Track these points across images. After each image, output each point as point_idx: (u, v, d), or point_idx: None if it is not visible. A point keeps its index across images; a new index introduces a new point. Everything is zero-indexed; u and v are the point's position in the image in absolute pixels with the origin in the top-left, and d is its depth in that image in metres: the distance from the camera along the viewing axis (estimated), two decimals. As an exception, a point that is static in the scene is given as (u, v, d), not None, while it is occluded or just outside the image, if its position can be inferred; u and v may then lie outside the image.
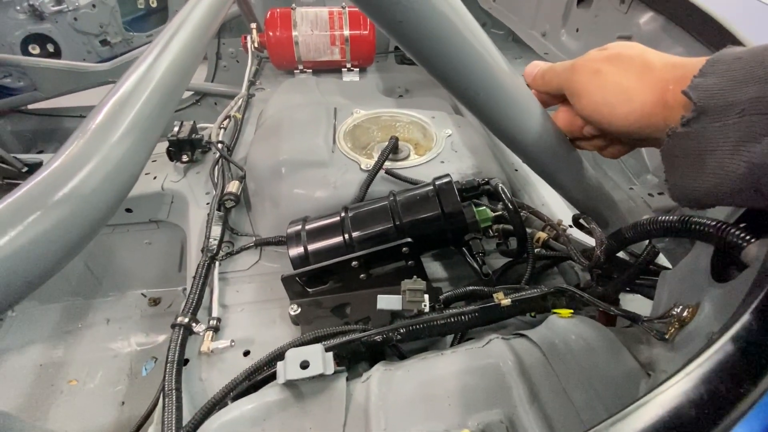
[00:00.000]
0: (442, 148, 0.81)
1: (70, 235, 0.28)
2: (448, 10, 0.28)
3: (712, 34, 0.47)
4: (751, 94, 0.25)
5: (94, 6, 1.85)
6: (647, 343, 0.44)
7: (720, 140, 0.27)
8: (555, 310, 0.49)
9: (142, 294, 1.11)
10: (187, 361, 0.58)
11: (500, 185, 0.62)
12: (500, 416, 0.39)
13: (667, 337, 0.40)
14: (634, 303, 0.54)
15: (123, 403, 0.93)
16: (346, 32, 1.16)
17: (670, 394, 0.17)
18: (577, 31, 0.77)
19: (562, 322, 0.46)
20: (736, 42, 0.44)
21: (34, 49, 1.78)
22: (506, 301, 0.51)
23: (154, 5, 2.20)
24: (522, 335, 0.47)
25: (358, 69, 1.25)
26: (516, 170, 0.89)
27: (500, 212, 0.64)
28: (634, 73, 0.33)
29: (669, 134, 0.30)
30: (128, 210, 0.92)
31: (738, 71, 0.26)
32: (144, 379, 0.97)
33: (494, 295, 0.52)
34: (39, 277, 0.27)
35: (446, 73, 0.31)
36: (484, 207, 0.63)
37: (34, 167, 1.00)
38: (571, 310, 0.48)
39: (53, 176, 0.29)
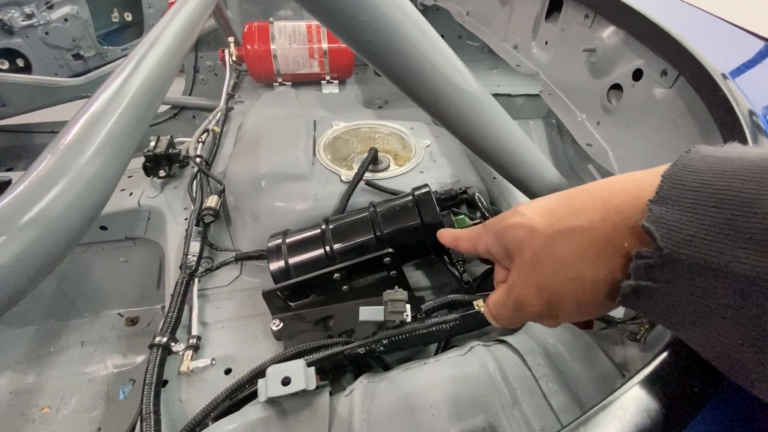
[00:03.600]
0: (421, 159, 0.82)
1: (38, 258, 0.27)
2: (413, 28, 0.29)
3: (667, 47, 0.50)
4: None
5: (66, 20, 1.82)
6: (622, 345, 0.45)
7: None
8: (533, 315, 0.50)
9: (119, 314, 1.07)
10: (166, 382, 0.56)
11: (476, 194, 0.64)
12: (482, 423, 0.39)
13: (638, 337, 0.42)
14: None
15: (99, 429, 0.89)
16: (325, 45, 1.18)
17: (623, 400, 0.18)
18: (546, 43, 0.80)
19: (540, 327, 0.47)
20: (685, 54, 0.47)
21: (3, 64, 1.73)
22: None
23: (129, 19, 2.18)
24: (502, 341, 0.48)
25: (337, 81, 1.26)
26: (494, 178, 0.91)
27: (478, 220, 0.65)
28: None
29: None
30: (103, 227, 0.89)
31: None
32: (122, 403, 0.94)
33: (474, 303, 0.52)
34: (5, 304, 0.26)
35: (414, 87, 0.32)
36: (463, 215, 0.64)
37: (2, 185, 0.97)
38: (549, 315, 0.49)
39: (20, 198, 0.28)
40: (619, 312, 0.51)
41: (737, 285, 0.18)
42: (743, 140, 0.35)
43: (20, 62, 1.77)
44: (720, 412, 0.19)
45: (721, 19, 0.68)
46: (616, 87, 0.63)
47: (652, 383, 0.20)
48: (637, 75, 0.58)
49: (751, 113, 0.38)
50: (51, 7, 1.77)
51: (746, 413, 0.20)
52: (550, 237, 0.25)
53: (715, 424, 0.19)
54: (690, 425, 0.18)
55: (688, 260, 0.19)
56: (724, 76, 0.44)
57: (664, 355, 0.21)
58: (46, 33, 1.77)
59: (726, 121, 0.38)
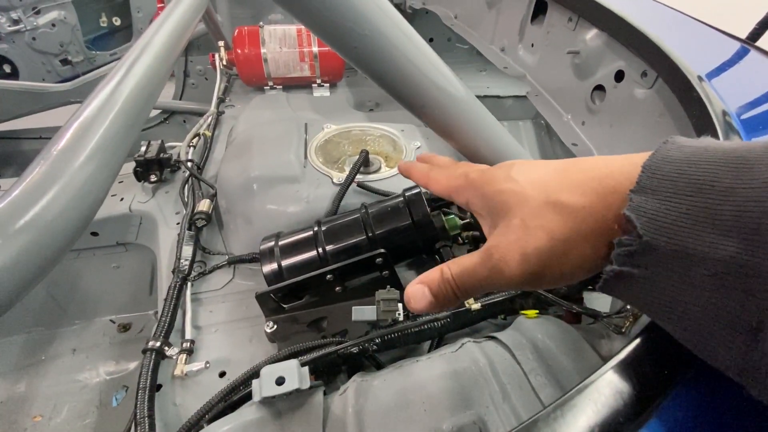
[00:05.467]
0: (412, 160, 0.83)
1: (33, 262, 0.28)
2: (399, 34, 0.30)
3: (646, 49, 0.52)
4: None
5: (53, 25, 1.80)
6: (608, 338, 0.47)
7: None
8: (522, 312, 0.51)
9: (111, 320, 1.06)
10: (160, 386, 0.56)
11: (467, 194, 0.65)
12: (473, 417, 0.40)
13: (623, 330, 0.43)
14: (600, 300, 0.58)
15: (92, 436, 0.88)
16: (315, 49, 1.18)
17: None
18: (533, 46, 0.81)
19: (529, 323, 0.48)
20: (663, 56, 0.48)
21: (-11, 70, 1.71)
22: (476, 306, 0.52)
23: (118, 23, 2.17)
24: (492, 338, 0.49)
25: (328, 84, 1.26)
26: (484, 178, 0.92)
27: (468, 220, 0.66)
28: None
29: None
30: (94, 233, 0.89)
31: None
32: (115, 410, 0.93)
33: (465, 301, 0.53)
34: (1, 307, 0.26)
35: (401, 91, 0.33)
36: (453, 215, 0.66)
37: (-10, 193, 0.95)
38: (537, 311, 0.50)
39: (14, 204, 0.28)
40: (605, 306, 0.52)
41: (712, 269, 0.18)
42: (716, 138, 0.36)
43: (7, 68, 1.75)
44: (691, 394, 0.20)
45: (703, 22, 0.70)
46: (600, 88, 0.65)
47: (625, 368, 0.21)
48: (619, 76, 0.60)
49: (725, 113, 0.40)
50: (38, 13, 1.75)
51: (716, 394, 0.21)
52: (542, 206, 0.25)
53: (686, 405, 0.20)
54: (662, 406, 0.19)
55: (667, 247, 0.20)
56: (699, 78, 0.46)
57: (637, 341, 0.23)
58: (33, 38, 1.75)
59: (700, 121, 0.40)
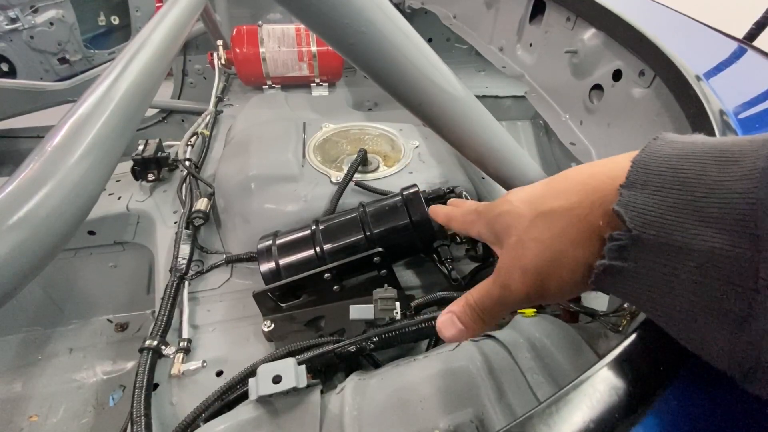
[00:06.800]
0: (410, 159, 0.84)
1: (25, 260, 0.27)
2: (396, 31, 0.30)
3: (644, 49, 0.52)
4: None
5: (51, 24, 1.80)
6: (605, 337, 0.46)
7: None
8: (520, 311, 0.51)
9: (108, 320, 1.06)
10: (156, 385, 0.56)
11: (464, 192, 0.65)
12: (470, 416, 0.40)
13: (620, 329, 0.43)
14: (597, 299, 0.58)
15: (89, 436, 0.88)
16: (314, 48, 1.18)
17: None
18: (531, 45, 0.81)
19: (526, 322, 0.48)
20: (660, 55, 0.48)
21: (-14, 69, 1.70)
22: (474, 305, 0.52)
23: (116, 22, 2.16)
24: (490, 336, 0.49)
25: (327, 84, 1.26)
26: (483, 178, 0.92)
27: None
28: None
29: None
30: (91, 232, 0.89)
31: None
32: (112, 410, 0.93)
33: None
34: (-8, 305, 0.26)
35: (398, 88, 0.33)
36: (451, 214, 0.65)
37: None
38: (534, 310, 0.50)
39: (7, 200, 0.28)
40: (602, 305, 0.52)
41: (697, 261, 0.19)
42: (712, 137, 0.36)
43: (4, 66, 1.74)
44: (686, 389, 0.20)
45: (701, 22, 0.70)
46: (597, 87, 0.65)
47: (620, 364, 0.21)
48: (617, 75, 0.60)
49: (722, 112, 0.40)
50: (36, 11, 1.75)
51: (711, 390, 0.21)
52: (533, 220, 0.26)
53: (681, 400, 0.20)
54: (657, 402, 0.19)
55: (655, 240, 0.20)
56: (697, 77, 0.46)
57: (632, 337, 0.23)
58: (31, 37, 1.75)
59: (698, 120, 0.40)
